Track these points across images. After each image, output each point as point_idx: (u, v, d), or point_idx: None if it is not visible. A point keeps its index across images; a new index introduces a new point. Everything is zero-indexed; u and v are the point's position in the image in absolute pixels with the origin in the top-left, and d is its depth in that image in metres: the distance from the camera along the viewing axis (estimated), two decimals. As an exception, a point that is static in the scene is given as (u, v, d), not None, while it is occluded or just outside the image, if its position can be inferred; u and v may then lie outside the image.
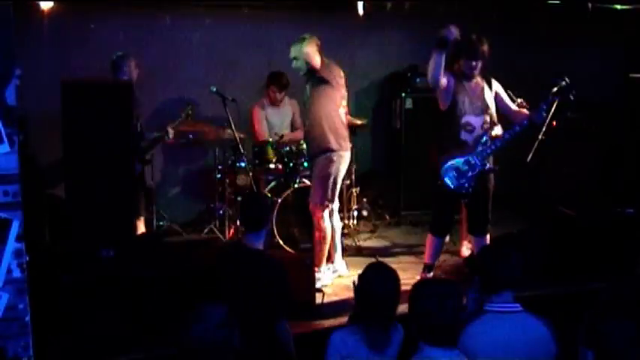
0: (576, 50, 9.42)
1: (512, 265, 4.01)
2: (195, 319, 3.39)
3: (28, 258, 3.98)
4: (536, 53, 9.39)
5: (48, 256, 6.12)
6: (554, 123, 6.67)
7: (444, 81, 6.29)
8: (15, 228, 3.90)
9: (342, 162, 6.97)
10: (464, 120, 6.39)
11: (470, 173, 6.40)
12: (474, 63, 6.35)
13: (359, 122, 8.42)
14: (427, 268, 6.79)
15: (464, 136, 6.42)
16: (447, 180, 6.43)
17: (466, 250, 7.74)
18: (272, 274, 4.90)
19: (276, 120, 8.59)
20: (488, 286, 4.02)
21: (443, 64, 6.17)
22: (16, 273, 3.93)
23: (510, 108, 6.61)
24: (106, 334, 5.46)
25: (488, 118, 6.44)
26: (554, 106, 6.40)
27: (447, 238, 7.35)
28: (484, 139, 6.39)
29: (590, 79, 8.80)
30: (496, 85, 6.60)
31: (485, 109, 6.44)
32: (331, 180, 6.91)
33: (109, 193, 6.11)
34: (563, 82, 6.43)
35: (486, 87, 6.51)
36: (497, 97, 6.57)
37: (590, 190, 8.41)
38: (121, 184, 6.26)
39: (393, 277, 4.16)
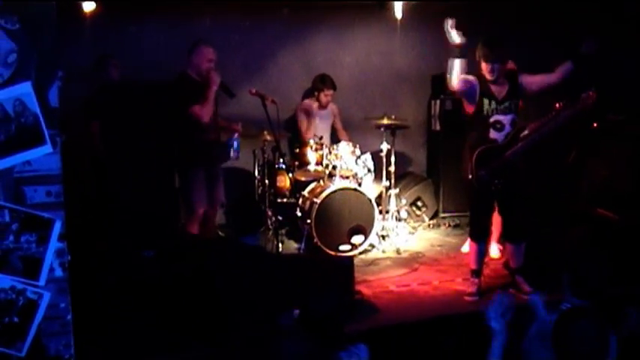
0: (616, 52, 9.29)
1: (605, 274, 3.98)
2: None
3: (69, 257, 4.02)
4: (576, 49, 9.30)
5: (90, 256, 6.18)
6: (595, 124, 6.60)
7: (459, 86, 6.29)
8: (57, 228, 3.94)
9: None
10: (493, 119, 6.32)
11: (500, 167, 6.32)
12: (490, 66, 6.29)
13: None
14: (474, 273, 6.66)
15: (493, 134, 6.35)
16: (481, 173, 6.34)
17: (496, 251, 7.68)
18: (271, 268, 4.91)
19: (318, 123, 8.63)
20: (581, 290, 3.96)
21: (456, 68, 6.22)
22: (58, 272, 3.97)
23: (549, 79, 6.42)
24: (146, 333, 5.50)
25: (517, 117, 6.39)
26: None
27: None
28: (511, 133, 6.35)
29: (630, 81, 8.70)
30: (522, 78, 6.43)
31: (514, 107, 6.36)
32: None
33: (149, 194, 6.15)
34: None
35: (513, 86, 6.38)
36: (529, 86, 6.42)
37: (628, 192, 8.30)
38: (162, 185, 6.30)
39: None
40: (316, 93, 8.65)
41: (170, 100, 6.90)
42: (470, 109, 6.43)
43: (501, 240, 7.43)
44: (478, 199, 6.59)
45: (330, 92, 8.60)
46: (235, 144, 7.45)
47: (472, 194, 6.65)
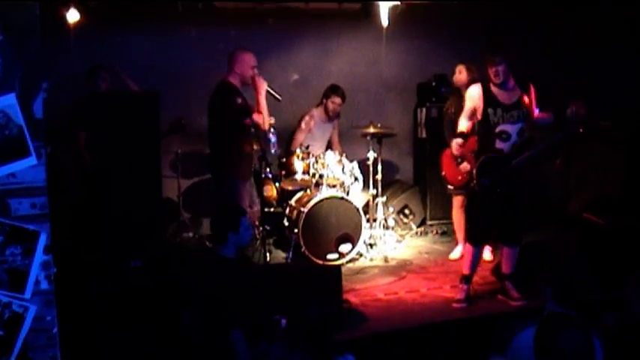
0: (606, 58, 9.34)
1: (589, 281, 3.97)
2: None
3: (55, 269, 3.99)
4: (564, 59, 9.36)
5: (77, 267, 6.16)
6: (581, 129, 6.60)
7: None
8: (42, 240, 3.91)
9: None
10: (499, 129, 6.29)
11: (505, 176, 6.31)
12: (494, 69, 6.26)
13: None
14: (464, 278, 6.62)
15: (499, 144, 6.32)
16: (483, 180, 6.33)
17: (488, 253, 7.68)
18: (232, 280, 4.90)
19: (319, 135, 8.59)
20: (565, 300, 3.94)
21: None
22: (44, 285, 3.94)
23: (540, 117, 6.44)
24: (134, 344, 5.47)
25: (525, 125, 6.32)
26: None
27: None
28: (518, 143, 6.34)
29: (619, 86, 8.74)
30: (532, 92, 6.40)
31: (522, 116, 6.30)
32: None
33: (136, 204, 6.14)
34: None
35: (524, 94, 6.34)
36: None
37: (616, 197, 8.32)
38: (149, 195, 6.29)
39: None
40: (324, 100, 8.58)
41: (221, 112, 6.87)
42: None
43: (495, 243, 7.41)
44: (479, 205, 6.55)
45: (337, 100, 8.51)
46: (274, 138, 7.46)
47: (472, 199, 6.65)
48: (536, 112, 6.43)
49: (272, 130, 7.33)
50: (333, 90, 8.53)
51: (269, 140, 7.53)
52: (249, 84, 6.92)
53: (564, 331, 3.34)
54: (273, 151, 7.52)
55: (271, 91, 7.02)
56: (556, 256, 4.61)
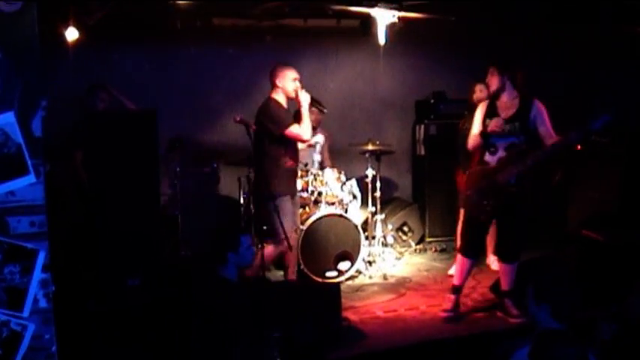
0: (602, 72, 9.36)
1: (584, 296, 3.96)
2: None
3: (54, 288, 3.98)
4: (564, 73, 9.38)
5: (75, 286, 6.14)
6: (579, 147, 6.60)
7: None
8: (41, 258, 3.90)
9: None
10: (489, 142, 6.35)
11: (489, 190, 6.32)
12: (486, 80, 6.45)
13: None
14: (454, 289, 6.66)
15: (487, 157, 6.37)
16: (468, 194, 6.37)
17: (494, 262, 7.64)
18: (232, 300, 4.87)
19: (310, 149, 8.57)
20: (562, 316, 3.91)
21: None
22: (43, 303, 3.93)
23: (549, 135, 6.23)
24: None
25: (517, 140, 6.28)
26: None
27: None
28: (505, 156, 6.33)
29: (615, 101, 8.75)
30: (536, 110, 6.27)
31: (513, 131, 6.27)
32: None
33: (134, 221, 6.12)
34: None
35: (525, 109, 6.28)
36: (536, 121, 6.25)
37: (615, 213, 8.32)
38: (147, 213, 6.27)
39: None
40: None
41: (267, 129, 6.84)
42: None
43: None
44: (468, 217, 6.62)
45: (313, 109, 8.49)
46: (318, 157, 7.44)
47: (466, 210, 6.68)
48: (553, 134, 6.24)
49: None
50: (312, 102, 8.49)
51: (313, 154, 7.58)
52: (292, 98, 6.92)
53: (559, 347, 3.34)
54: (317, 163, 7.52)
55: (316, 104, 7.09)
56: (545, 274, 4.60)
